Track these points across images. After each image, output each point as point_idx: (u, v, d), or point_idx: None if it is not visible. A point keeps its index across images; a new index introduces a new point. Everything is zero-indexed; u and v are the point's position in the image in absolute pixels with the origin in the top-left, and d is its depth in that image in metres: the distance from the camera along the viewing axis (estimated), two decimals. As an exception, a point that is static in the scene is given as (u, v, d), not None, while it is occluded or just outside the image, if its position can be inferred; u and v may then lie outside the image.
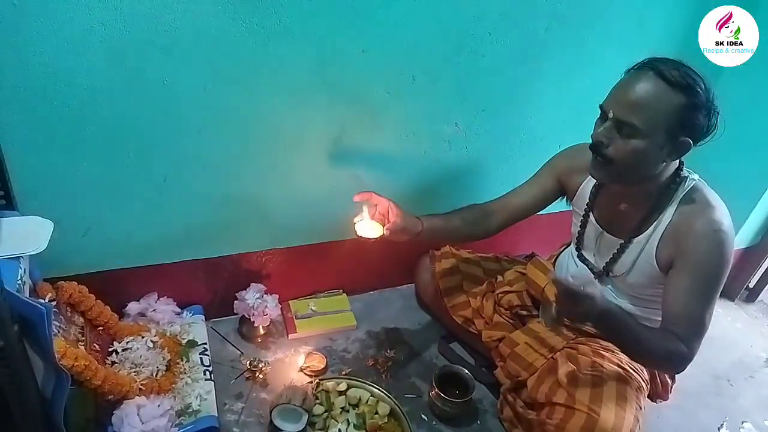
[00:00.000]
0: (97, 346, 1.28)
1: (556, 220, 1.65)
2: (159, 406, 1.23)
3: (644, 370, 1.36)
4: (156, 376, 1.33)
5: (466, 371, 1.51)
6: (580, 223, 1.41)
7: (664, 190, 1.21)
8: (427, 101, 1.54)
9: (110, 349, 1.32)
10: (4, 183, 1.17)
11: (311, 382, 1.45)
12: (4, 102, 1.10)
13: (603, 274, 1.36)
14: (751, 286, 2.27)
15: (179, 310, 1.57)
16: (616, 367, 1.31)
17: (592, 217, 1.37)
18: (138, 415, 1.19)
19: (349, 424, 1.38)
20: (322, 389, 1.44)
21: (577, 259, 1.45)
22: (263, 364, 1.51)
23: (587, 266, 1.41)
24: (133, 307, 1.49)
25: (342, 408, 1.41)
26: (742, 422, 1.67)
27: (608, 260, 1.33)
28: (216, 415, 1.33)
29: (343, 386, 1.46)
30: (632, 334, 1.14)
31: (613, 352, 1.35)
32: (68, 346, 1.06)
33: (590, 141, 1.16)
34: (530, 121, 1.75)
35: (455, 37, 1.46)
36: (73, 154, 1.23)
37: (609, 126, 1.11)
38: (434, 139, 1.65)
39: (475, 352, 1.70)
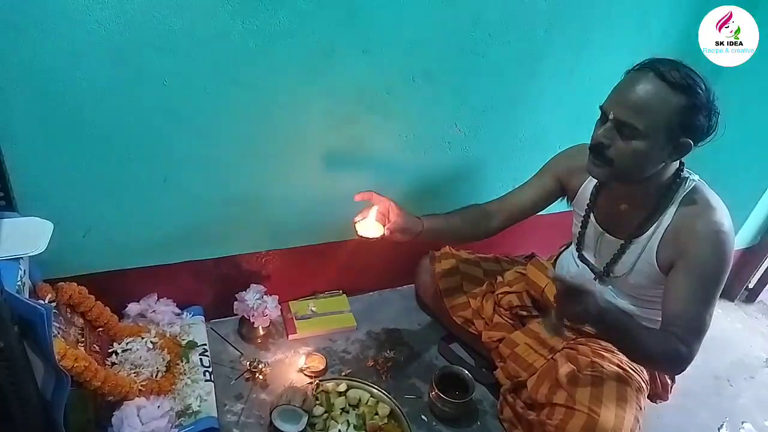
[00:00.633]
0: (96, 347, 1.27)
1: (557, 221, 1.65)
2: (159, 407, 1.23)
3: (644, 371, 1.36)
4: (156, 377, 1.32)
5: (466, 372, 1.51)
6: (580, 224, 1.41)
7: (664, 191, 1.21)
8: (428, 102, 1.54)
9: (110, 350, 1.32)
10: (4, 184, 1.17)
11: (311, 383, 1.45)
12: (5, 103, 1.10)
13: (604, 275, 1.36)
14: (750, 286, 2.27)
15: (179, 311, 1.57)
16: (616, 368, 1.32)
17: (592, 218, 1.37)
18: (138, 416, 1.19)
19: (349, 425, 1.38)
20: (322, 390, 1.44)
21: (577, 260, 1.45)
22: (263, 365, 1.51)
23: (588, 267, 1.41)
24: (132, 308, 1.48)
25: (342, 409, 1.41)
26: (742, 423, 1.67)
27: (609, 261, 1.33)
28: (216, 416, 1.33)
29: (342, 387, 1.46)
30: (631, 334, 1.14)
31: (613, 352, 1.35)
32: (68, 347, 1.06)
33: (590, 141, 1.16)
34: (530, 121, 1.75)
35: (455, 38, 1.46)
36: (72, 155, 1.23)
37: (609, 127, 1.11)
38: (434, 140, 1.65)
39: (475, 352, 1.70)
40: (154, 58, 1.17)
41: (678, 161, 1.19)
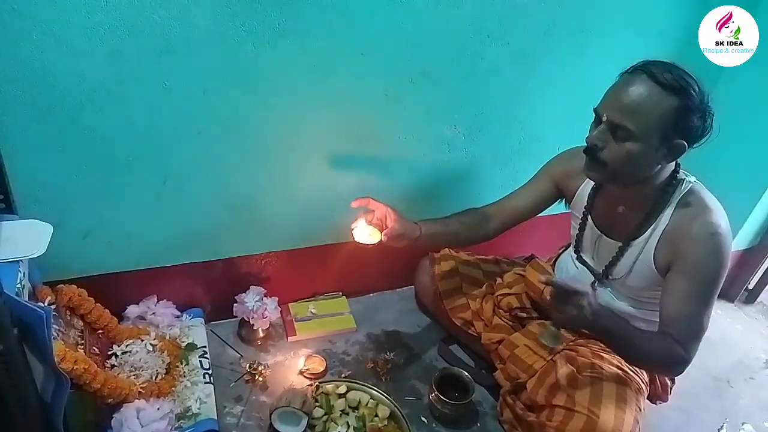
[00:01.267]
0: (96, 350, 1.28)
1: (556, 223, 1.65)
2: (158, 409, 1.23)
3: (644, 372, 1.36)
4: (155, 379, 1.32)
5: (466, 373, 1.51)
6: (578, 226, 1.41)
7: (661, 193, 1.21)
8: (426, 104, 1.55)
9: (110, 353, 1.32)
10: (3, 186, 1.17)
11: (311, 385, 1.45)
12: (5, 105, 1.11)
13: (602, 277, 1.36)
14: (750, 287, 2.27)
15: (179, 313, 1.57)
16: (616, 369, 1.32)
17: (590, 221, 1.38)
18: (137, 418, 1.19)
19: (348, 426, 1.38)
20: (322, 392, 1.44)
21: (576, 262, 1.45)
22: (263, 367, 1.51)
23: (587, 268, 1.41)
24: (132, 311, 1.49)
25: (342, 411, 1.41)
26: (742, 424, 1.67)
27: (607, 263, 1.33)
28: (216, 418, 1.33)
29: (342, 389, 1.46)
30: (628, 336, 1.14)
31: (613, 354, 1.35)
32: (68, 349, 1.06)
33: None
34: (529, 123, 1.76)
35: (454, 39, 1.46)
36: (72, 157, 1.23)
37: (603, 129, 1.12)
38: (433, 142, 1.65)
39: (475, 354, 1.70)
40: (154, 60, 1.17)
41: (674, 163, 1.19)
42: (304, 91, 1.37)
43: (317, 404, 1.40)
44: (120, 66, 1.15)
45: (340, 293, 1.87)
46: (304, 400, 1.30)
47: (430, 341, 1.75)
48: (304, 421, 1.29)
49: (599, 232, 1.35)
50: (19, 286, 1.02)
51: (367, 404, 1.43)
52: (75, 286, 1.25)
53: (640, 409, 1.28)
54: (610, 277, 1.35)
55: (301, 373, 1.54)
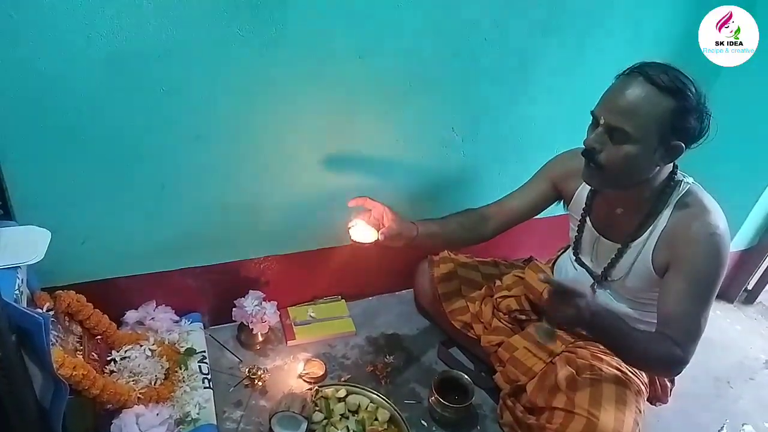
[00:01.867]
0: (95, 355, 1.27)
1: (555, 224, 1.66)
2: (158, 414, 1.23)
3: (643, 373, 1.36)
4: (154, 384, 1.32)
5: (466, 376, 1.51)
6: (577, 228, 1.41)
7: (659, 195, 1.22)
8: (424, 106, 1.55)
9: (108, 358, 1.32)
10: (1, 193, 1.17)
11: (310, 389, 1.44)
12: (2, 111, 1.11)
13: (601, 279, 1.36)
14: (749, 287, 2.27)
15: (177, 318, 1.56)
16: (615, 371, 1.32)
17: (588, 222, 1.38)
18: (137, 423, 1.19)
19: (348, 430, 1.38)
20: (322, 396, 1.44)
21: (575, 263, 1.45)
22: (262, 372, 1.50)
23: (586, 270, 1.41)
24: (131, 316, 1.48)
25: (341, 415, 1.41)
26: (743, 425, 1.67)
27: (606, 265, 1.33)
28: (215, 423, 1.33)
29: (342, 393, 1.45)
30: (625, 337, 1.14)
31: (612, 355, 1.35)
32: (66, 355, 1.06)
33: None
34: (527, 125, 1.76)
35: (451, 42, 1.46)
36: (70, 163, 1.23)
37: (600, 132, 1.12)
38: (431, 145, 1.65)
39: (475, 357, 1.70)
40: (152, 66, 1.17)
41: (671, 164, 1.19)
42: (303, 96, 1.37)
43: (317, 408, 1.40)
44: (118, 72, 1.15)
45: (340, 297, 1.86)
46: (304, 404, 1.30)
47: (429, 344, 1.75)
48: (304, 426, 1.29)
49: (598, 234, 1.35)
50: (17, 292, 1.02)
51: (366, 408, 1.43)
52: (73, 292, 1.25)
53: (640, 411, 1.28)
54: (608, 278, 1.35)
55: (300, 377, 1.54)
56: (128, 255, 1.43)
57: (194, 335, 1.55)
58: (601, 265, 1.36)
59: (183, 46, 1.17)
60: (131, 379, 1.29)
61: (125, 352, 1.34)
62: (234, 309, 1.57)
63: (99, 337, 1.33)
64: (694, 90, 1.07)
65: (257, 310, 1.54)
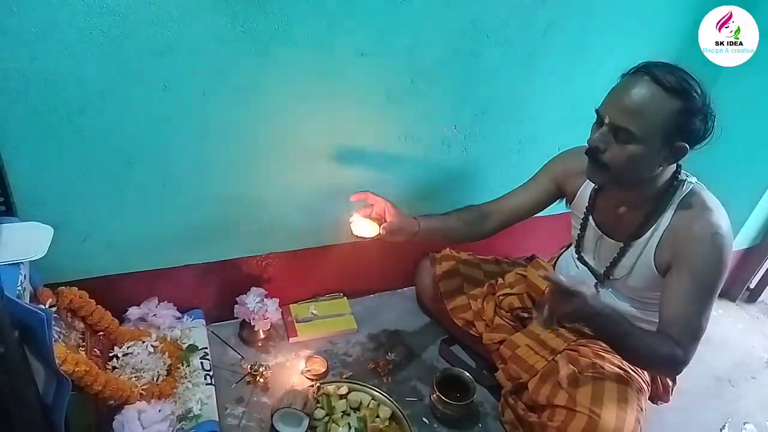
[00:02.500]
0: (97, 351, 1.28)
1: (557, 222, 1.65)
2: (160, 411, 1.23)
3: (645, 372, 1.36)
4: (157, 380, 1.32)
5: (467, 374, 1.51)
6: (579, 227, 1.41)
7: (662, 194, 1.21)
8: (426, 104, 1.54)
9: (111, 354, 1.32)
10: (4, 189, 1.17)
11: (312, 386, 1.45)
12: (4, 108, 1.11)
13: (603, 278, 1.36)
14: (751, 286, 2.27)
15: (180, 314, 1.57)
16: (617, 369, 1.31)
17: (591, 221, 1.37)
18: (139, 420, 1.19)
19: (350, 427, 1.38)
20: (323, 393, 1.44)
21: (577, 262, 1.45)
22: (264, 368, 1.51)
23: (588, 269, 1.41)
24: (133, 312, 1.49)
25: (343, 412, 1.41)
26: (744, 424, 1.67)
27: (608, 264, 1.33)
28: (217, 419, 1.33)
29: (344, 390, 1.46)
30: (626, 335, 1.14)
31: (614, 353, 1.35)
32: (69, 351, 1.06)
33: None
34: (529, 123, 1.75)
35: (453, 40, 1.46)
36: (72, 159, 1.23)
37: (605, 131, 1.11)
38: (433, 142, 1.65)
39: (476, 354, 1.70)
40: (154, 62, 1.17)
41: (675, 164, 1.19)
42: (303, 93, 1.36)
43: (318, 405, 1.40)
44: (120, 68, 1.15)
45: (341, 294, 1.87)
46: (306, 401, 1.30)
47: (431, 342, 1.75)
48: (306, 422, 1.29)
49: (600, 233, 1.35)
50: (19, 288, 1.02)
51: (368, 405, 1.43)
52: (76, 288, 1.25)
53: (642, 409, 1.28)
54: (611, 277, 1.35)
55: (302, 374, 1.54)
56: (131, 251, 1.44)
57: (196, 332, 1.55)
58: (603, 263, 1.36)
59: (185, 42, 1.17)
60: (133, 375, 1.30)
61: (127, 348, 1.35)
62: (236, 306, 1.57)
63: (101, 333, 1.33)
64: (699, 91, 1.07)
65: (259, 307, 1.54)
